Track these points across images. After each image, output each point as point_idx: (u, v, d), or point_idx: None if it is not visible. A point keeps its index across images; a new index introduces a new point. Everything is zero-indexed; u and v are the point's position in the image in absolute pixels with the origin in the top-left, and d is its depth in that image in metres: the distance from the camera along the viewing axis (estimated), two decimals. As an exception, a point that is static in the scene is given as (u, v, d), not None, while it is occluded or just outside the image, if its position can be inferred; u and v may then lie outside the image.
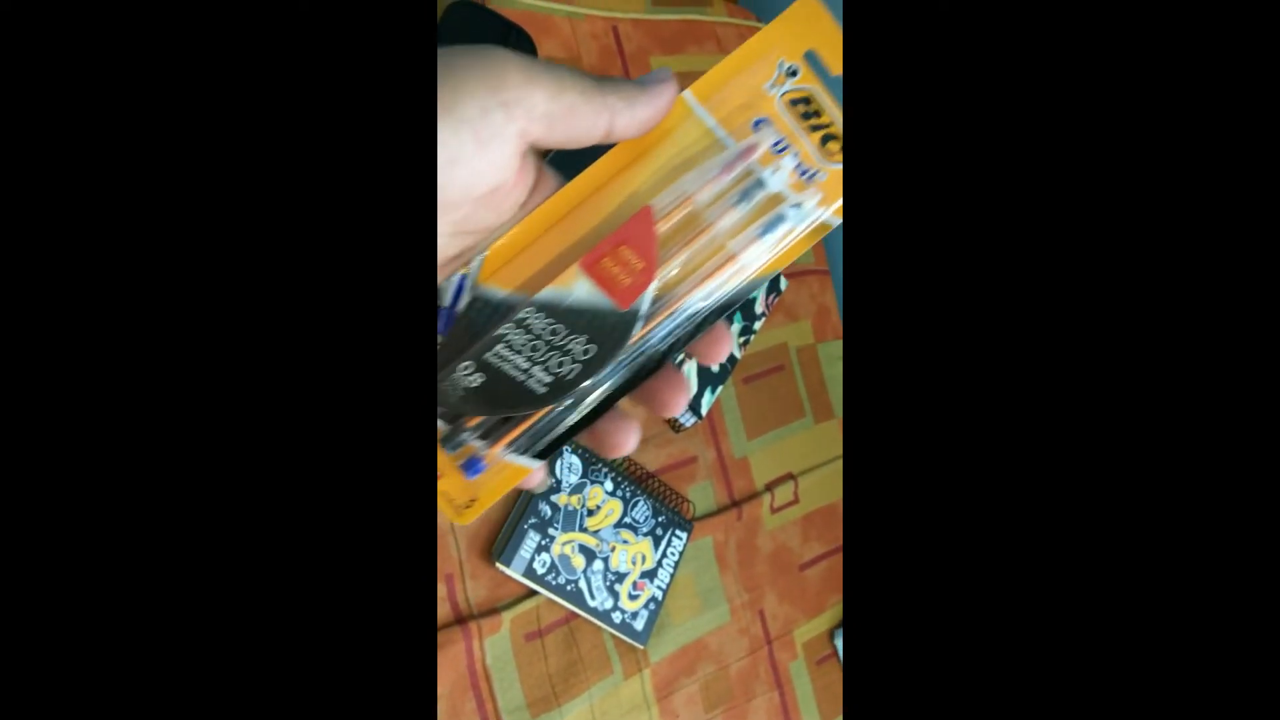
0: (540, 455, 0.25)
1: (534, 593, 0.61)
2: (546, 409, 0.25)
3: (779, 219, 0.25)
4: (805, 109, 0.25)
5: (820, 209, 0.25)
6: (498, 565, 0.59)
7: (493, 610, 0.59)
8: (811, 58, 0.25)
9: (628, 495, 0.67)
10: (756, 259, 0.25)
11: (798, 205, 0.25)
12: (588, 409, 0.25)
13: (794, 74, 0.25)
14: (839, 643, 0.81)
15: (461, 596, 0.58)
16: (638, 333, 0.24)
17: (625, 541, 0.66)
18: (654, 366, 0.25)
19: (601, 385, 0.25)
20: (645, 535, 0.68)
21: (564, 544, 0.63)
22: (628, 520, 0.67)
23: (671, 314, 0.25)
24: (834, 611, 0.83)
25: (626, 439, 0.25)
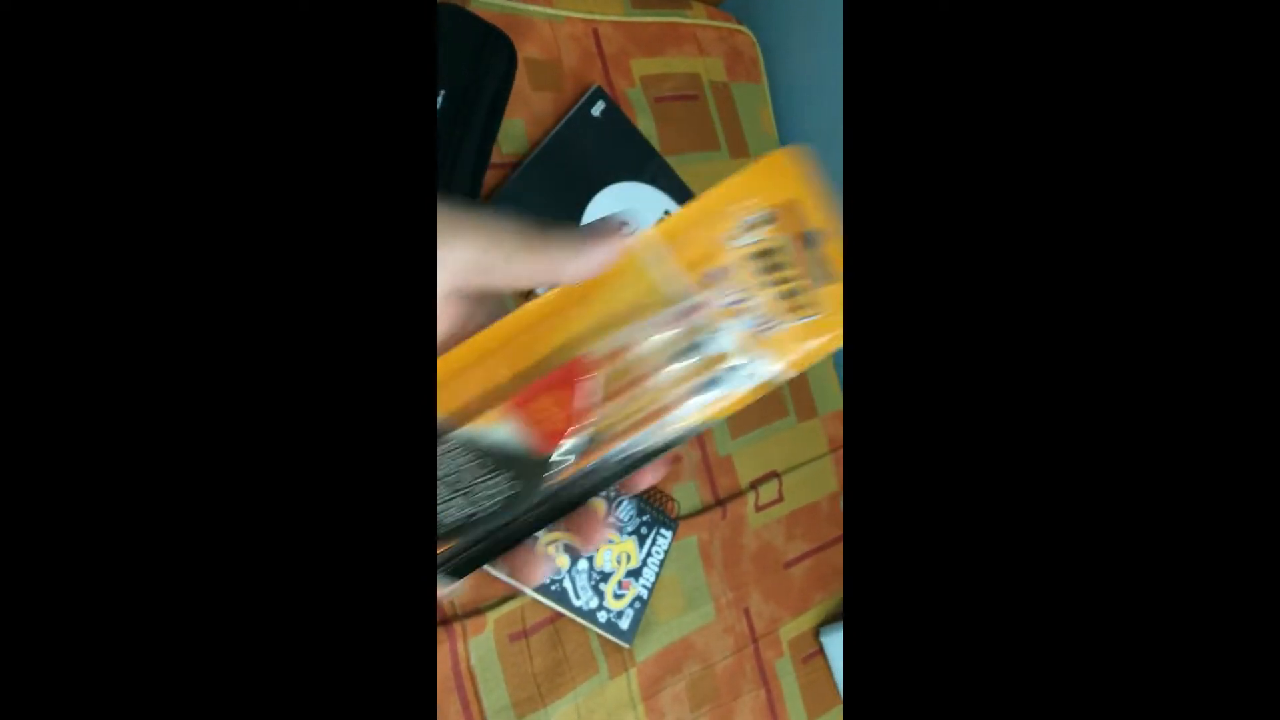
0: (454, 574, 0.25)
1: (518, 593, 0.61)
2: (457, 539, 0.25)
3: (717, 381, 0.24)
4: (770, 261, 0.24)
5: (770, 367, 0.24)
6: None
7: (476, 611, 0.59)
8: (786, 208, 0.24)
9: (612, 494, 0.67)
10: (694, 412, 0.24)
11: (742, 366, 0.24)
12: (506, 537, 0.25)
13: (765, 223, 0.24)
14: (825, 640, 0.81)
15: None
16: (562, 473, 0.24)
17: (610, 541, 0.67)
18: (576, 503, 0.25)
19: (520, 518, 0.25)
20: (630, 534, 0.68)
21: (548, 544, 0.63)
22: (611, 520, 0.67)
23: (601, 456, 0.24)
24: (819, 609, 0.83)
25: (537, 572, 0.26)
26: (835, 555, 0.85)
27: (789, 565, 0.81)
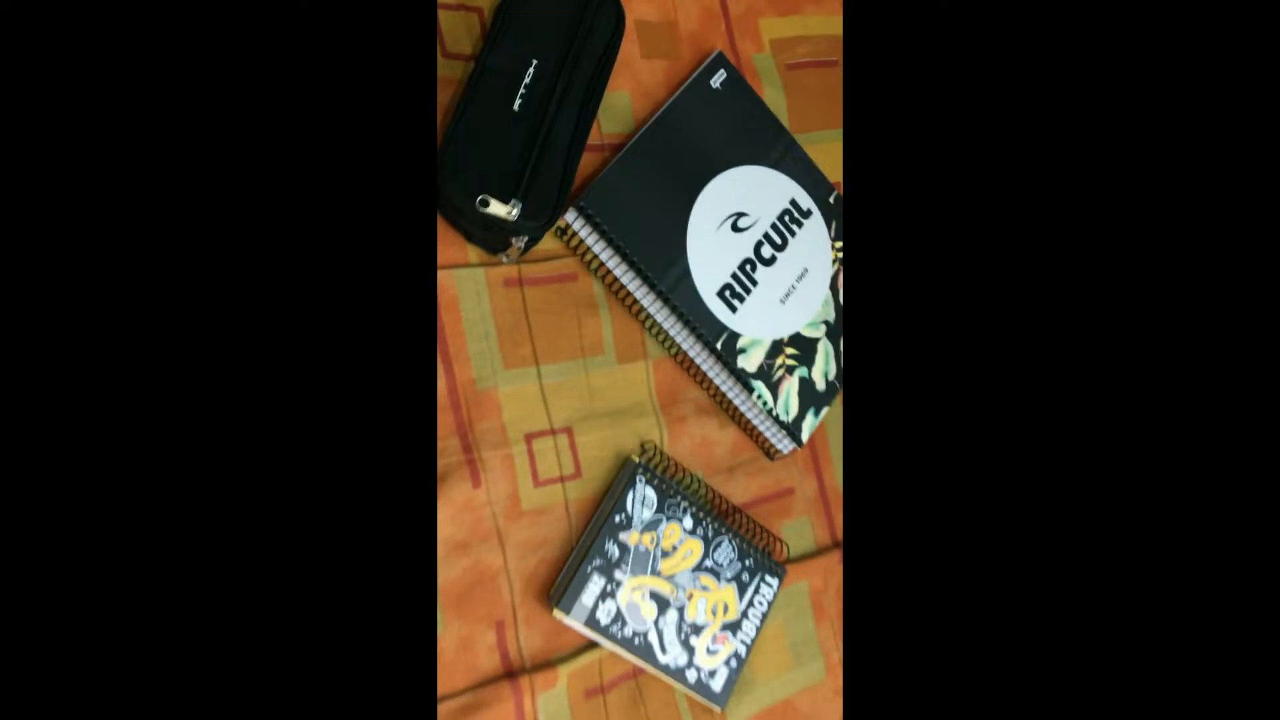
0: None
1: (596, 644, 0.54)
2: None
3: None
4: None
5: None
6: (555, 613, 0.52)
7: (547, 663, 0.52)
8: None
9: (710, 534, 0.58)
10: None
11: None
12: None
13: None
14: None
15: (513, 646, 0.51)
16: None
17: (705, 588, 0.58)
18: None
19: None
20: (729, 581, 0.59)
21: (633, 589, 0.55)
22: (709, 564, 0.58)
23: None
24: (950, 673, 0.71)
25: None
26: (974, 612, 0.72)
27: (917, 621, 0.69)
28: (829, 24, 0.72)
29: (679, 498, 0.57)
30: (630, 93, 0.61)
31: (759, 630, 0.59)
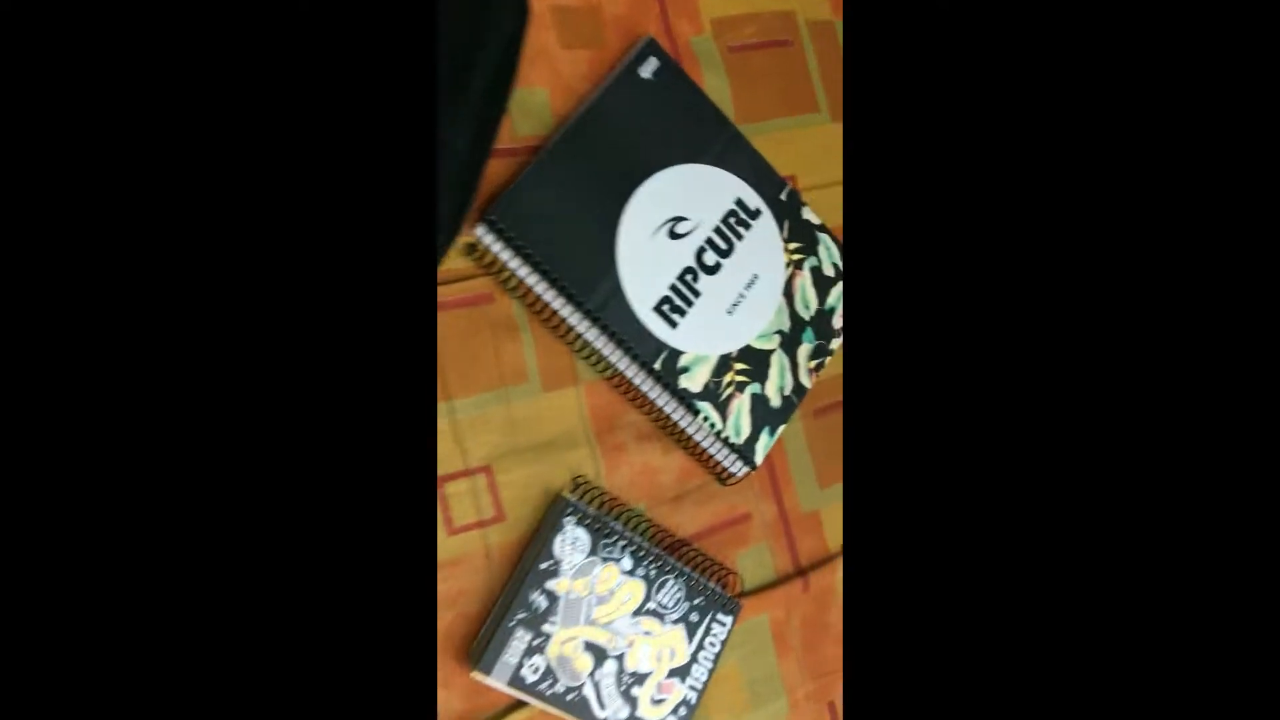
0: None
1: (523, 702, 0.49)
2: None
3: None
4: None
5: None
6: (474, 674, 0.47)
7: (469, 729, 0.47)
8: None
9: (652, 574, 0.53)
10: None
11: None
12: None
13: None
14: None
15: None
16: None
17: (648, 633, 0.53)
18: None
19: None
20: (675, 623, 0.54)
21: (564, 642, 0.50)
22: (651, 606, 0.53)
23: None
24: (929, 700, 0.66)
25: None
26: (954, 634, 0.67)
27: (890, 648, 0.64)
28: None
29: (616, 537, 0.52)
30: (548, 89, 0.55)
31: (711, 673, 0.55)
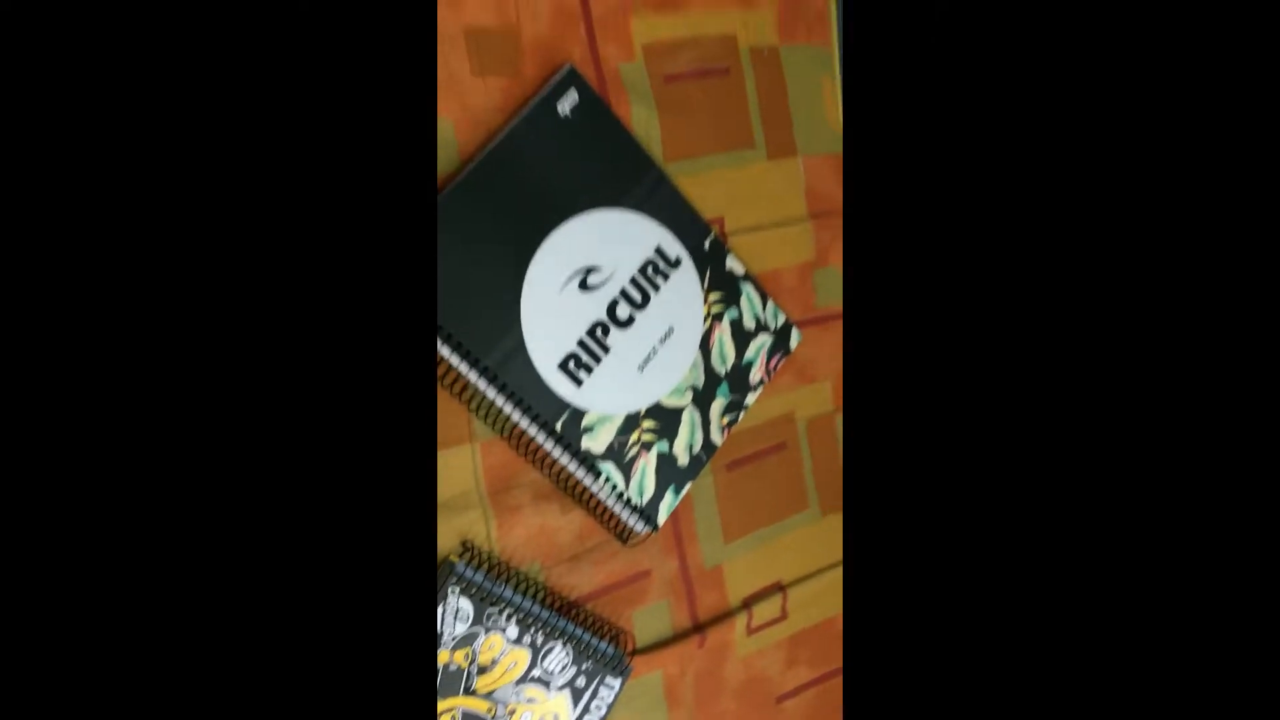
0: None
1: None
2: None
3: None
4: None
5: None
6: (339, 755, 0.46)
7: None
8: None
9: (539, 642, 0.52)
10: None
11: None
12: None
13: None
14: (820, 785, 0.66)
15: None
16: None
17: (531, 700, 0.52)
18: None
19: None
20: (561, 689, 0.53)
21: (441, 714, 0.48)
22: (536, 673, 0.52)
23: None
24: (819, 745, 0.67)
25: None
26: (848, 682, 0.68)
27: (783, 699, 0.65)
28: (720, 22, 0.60)
29: (503, 605, 0.51)
30: (454, 121, 0.50)
31: (596, 736, 0.54)
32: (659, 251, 0.56)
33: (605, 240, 0.54)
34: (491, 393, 0.50)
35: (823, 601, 0.67)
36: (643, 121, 0.57)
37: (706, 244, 0.58)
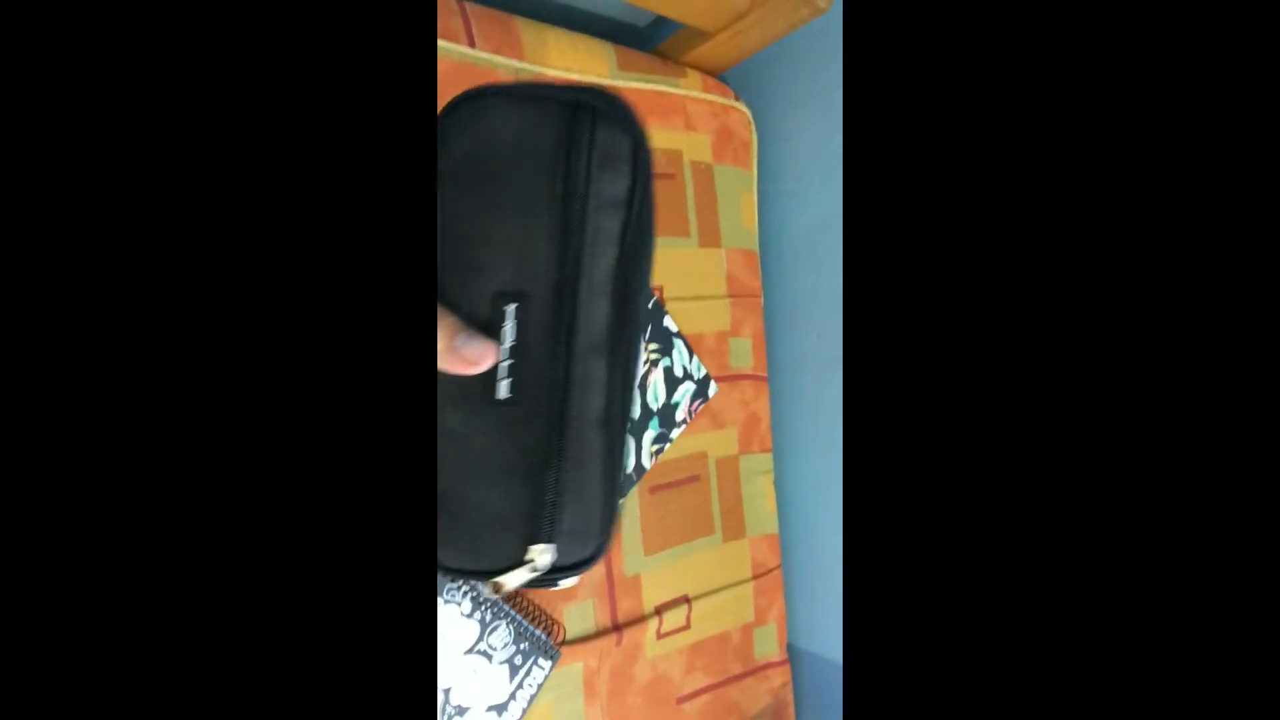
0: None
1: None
2: None
3: None
4: None
5: None
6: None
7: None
8: None
9: (487, 619, 0.60)
10: None
11: None
12: None
13: None
14: (708, 785, 0.75)
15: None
16: None
17: (474, 670, 0.60)
18: None
19: None
20: (502, 664, 0.61)
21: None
22: (481, 647, 0.60)
23: None
24: (709, 749, 0.76)
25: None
26: (735, 691, 0.78)
27: (683, 700, 0.74)
28: (670, 139, 0.78)
29: (460, 583, 0.59)
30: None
31: (525, 711, 0.62)
32: (612, 305, 0.70)
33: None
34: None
35: (720, 616, 0.78)
36: (606, 204, 0.72)
37: (649, 304, 0.72)
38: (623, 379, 0.33)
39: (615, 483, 0.34)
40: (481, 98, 0.32)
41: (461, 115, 0.31)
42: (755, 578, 0.81)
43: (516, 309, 0.31)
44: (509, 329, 0.30)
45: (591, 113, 0.31)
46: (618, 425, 0.33)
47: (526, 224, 0.31)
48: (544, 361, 0.31)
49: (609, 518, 0.34)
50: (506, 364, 0.30)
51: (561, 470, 0.32)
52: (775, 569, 0.83)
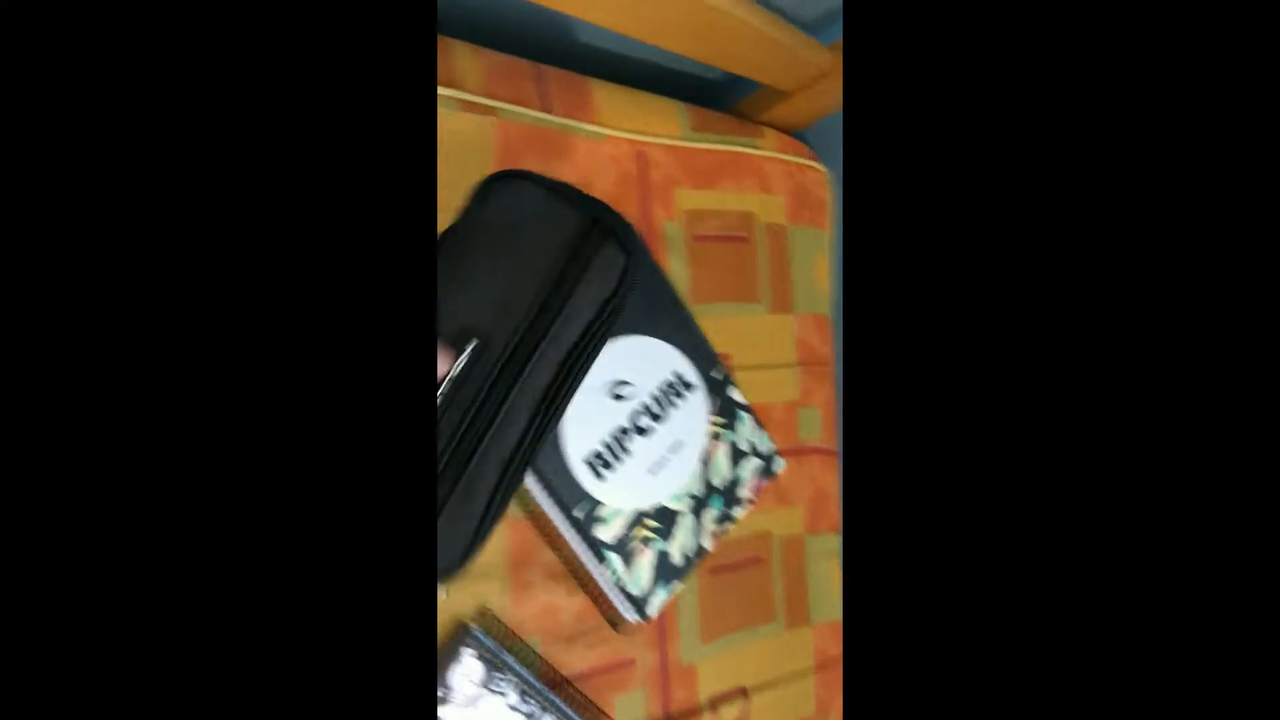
0: None
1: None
2: None
3: None
4: None
5: None
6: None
7: None
8: None
9: (535, 711, 0.57)
10: None
11: None
12: None
13: None
14: None
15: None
16: None
17: (519, 768, 0.56)
18: None
19: None
20: (546, 761, 0.57)
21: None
22: (528, 743, 0.56)
23: None
24: None
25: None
26: (796, 795, 0.72)
27: (737, 803, 0.69)
28: (744, 200, 0.75)
29: (507, 671, 0.56)
30: (532, 249, 0.61)
31: (570, 814, 0.58)
32: (677, 376, 0.66)
33: (637, 360, 0.64)
34: (529, 477, 0.58)
35: (780, 710, 0.72)
36: (675, 269, 0.69)
37: (714, 373, 0.69)
38: (535, 438, 0.42)
39: (491, 524, 0.41)
40: (525, 179, 0.43)
41: (504, 182, 0.42)
42: (819, 670, 0.75)
43: (475, 347, 0.39)
44: (463, 359, 0.39)
45: (603, 230, 0.42)
46: (515, 472, 0.41)
47: (516, 285, 0.40)
48: (481, 392, 0.39)
49: (468, 552, 0.41)
50: (446, 385, 0.38)
51: (450, 491, 0.38)
52: (839, 659, 0.77)
